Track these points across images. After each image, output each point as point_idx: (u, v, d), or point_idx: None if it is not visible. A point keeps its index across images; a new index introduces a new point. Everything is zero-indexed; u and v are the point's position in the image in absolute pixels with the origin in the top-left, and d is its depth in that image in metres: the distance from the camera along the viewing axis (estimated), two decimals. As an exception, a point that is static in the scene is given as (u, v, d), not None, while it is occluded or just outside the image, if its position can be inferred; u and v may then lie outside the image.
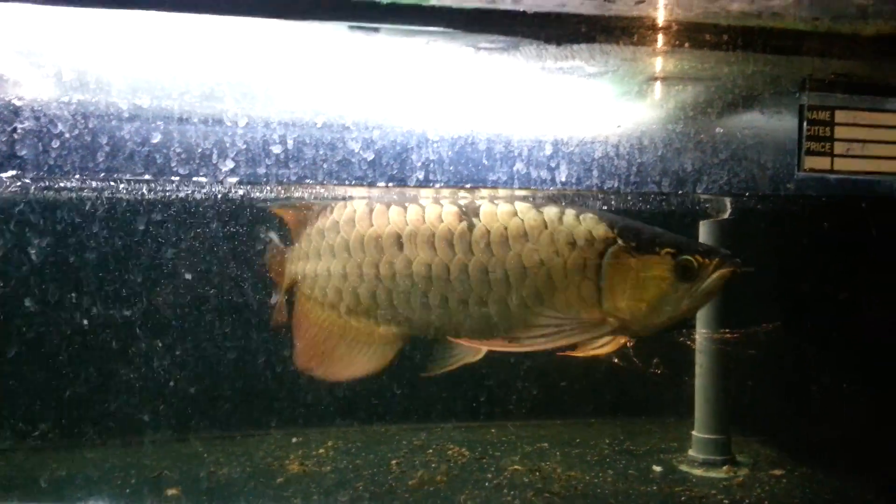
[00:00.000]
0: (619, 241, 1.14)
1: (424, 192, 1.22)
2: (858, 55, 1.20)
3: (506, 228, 1.14)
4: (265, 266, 1.36)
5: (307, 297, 1.27)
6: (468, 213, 1.16)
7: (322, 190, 1.20)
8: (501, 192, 1.19)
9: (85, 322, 1.67)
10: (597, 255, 1.13)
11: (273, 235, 1.36)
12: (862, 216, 1.34)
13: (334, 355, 1.26)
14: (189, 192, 1.32)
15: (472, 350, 1.20)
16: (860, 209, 1.33)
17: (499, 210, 1.16)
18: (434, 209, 1.17)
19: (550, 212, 1.16)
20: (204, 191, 1.39)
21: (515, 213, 1.16)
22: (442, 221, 1.16)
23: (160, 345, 1.70)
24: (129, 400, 1.69)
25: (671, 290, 1.12)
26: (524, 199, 1.20)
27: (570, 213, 1.17)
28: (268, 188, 1.21)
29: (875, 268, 1.35)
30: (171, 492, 1.43)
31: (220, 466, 1.57)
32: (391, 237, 1.17)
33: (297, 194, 1.26)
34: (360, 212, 1.20)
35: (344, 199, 1.25)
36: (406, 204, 1.19)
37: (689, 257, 1.12)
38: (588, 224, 1.15)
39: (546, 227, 1.15)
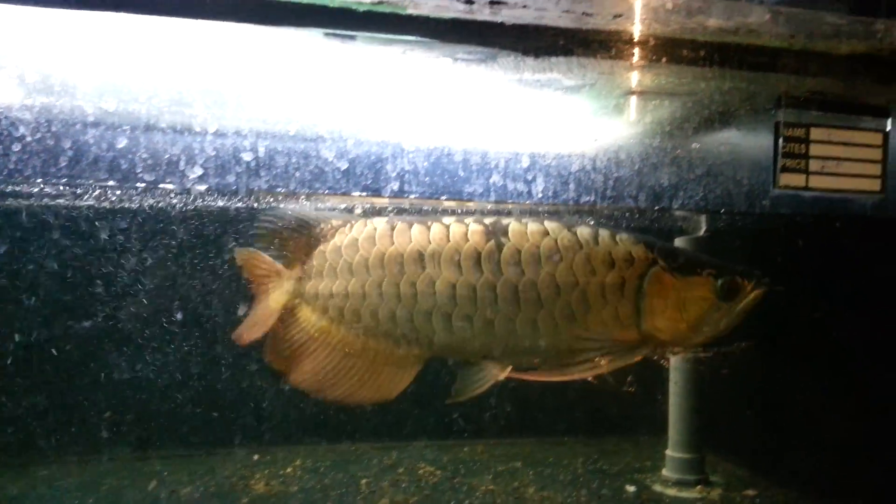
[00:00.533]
0: (660, 262, 1.13)
1: (446, 207, 1.23)
2: (833, 73, 1.21)
3: (538, 247, 1.12)
4: (245, 276, 1.26)
5: (319, 317, 1.21)
6: (495, 232, 1.14)
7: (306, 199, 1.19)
8: (509, 207, 1.20)
9: (39, 334, 1.61)
10: (637, 275, 1.13)
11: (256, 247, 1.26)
12: (836, 234, 1.35)
13: (350, 378, 1.20)
14: (152, 201, 1.28)
15: (498, 372, 1.16)
16: (834, 227, 1.34)
17: (528, 229, 1.14)
18: (459, 227, 1.14)
19: (584, 231, 1.15)
20: (172, 200, 1.36)
21: (547, 232, 1.14)
22: (468, 240, 1.13)
23: (119, 358, 1.65)
24: (86, 415, 1.63)
25: (712, 311, 1.13)
26: (543, 217, 1.18)
27: (604, 232, 1.15)
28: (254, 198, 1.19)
29: (849, 286, 1.36)
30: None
31: (181, 486, 1.52)
32: (414, 255, 1.13)
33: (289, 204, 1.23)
34: (380, 229, 1.16)
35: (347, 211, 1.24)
36: (429, 222, 1.16)
37: (730, 278, 1.13)
38: (626, 244, 1.14)
39: (581, 246, 1.13)
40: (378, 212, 1.26)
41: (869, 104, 1.22)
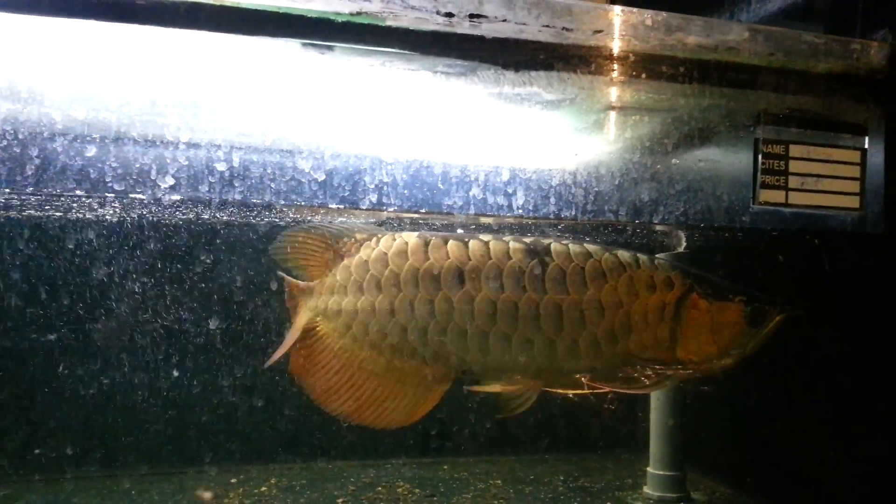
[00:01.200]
0: (697, 288, 1.18)
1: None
2: (811, 91, 1.22)
3: (583, 268, 1.14)
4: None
5: (342, 335, 1.18)
6: (538, 251, 1.15)
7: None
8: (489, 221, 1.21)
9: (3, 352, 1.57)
10: (675, 300, 1.17)
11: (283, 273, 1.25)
12: (815, 251, 1.35)
13: (376, 399, 1.18)
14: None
15: (536, 386, 1.18)
16: (813, 243, 1.34)
17: (571, 249, 1.16)
18: (499, 245, 1.15)
19: (624, 255, 1.18)
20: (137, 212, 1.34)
21: (590, 254, 1.16)
22: (510, 258, 1.14)
23: (86, 374, 1.61)
24: (52, 433, 1.59)
25: (741, 335, 1.18)
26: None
27: (643, 257, 1.20)
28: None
29: (829, 303, 1.36)
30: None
31: (153, 505, 1.48)
32: (451, 272, 1.12)
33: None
34: (412, 244, 1.15)
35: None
36: (465, 239, 1.16)
37: (759, 305, 1.18)
38: (665, 269, 1.19)
39: (625, 269, 1.17)
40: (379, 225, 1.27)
41: (847, 122, 1.23)
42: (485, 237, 1.17)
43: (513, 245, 1.15)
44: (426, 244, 1.14)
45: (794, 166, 1.20)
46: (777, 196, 1.20)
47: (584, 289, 1.13)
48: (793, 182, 1.20)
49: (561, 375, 1.16)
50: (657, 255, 1.28)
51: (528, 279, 1.12)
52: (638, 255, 1.21)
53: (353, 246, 1.18)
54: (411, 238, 1.16)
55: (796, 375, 1.43)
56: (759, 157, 1.18)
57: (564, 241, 1.18)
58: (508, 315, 1.12)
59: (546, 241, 1.17)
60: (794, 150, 1.21)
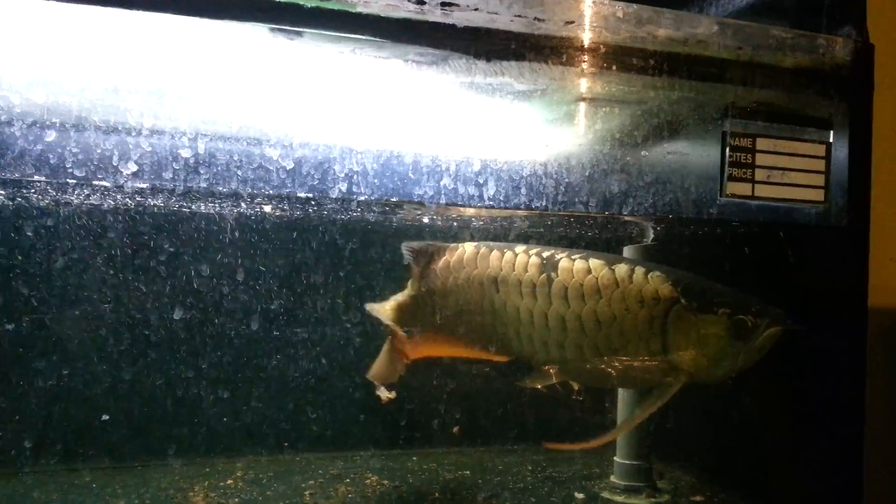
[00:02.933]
0: (682, 301, 1.23)
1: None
2: (778, 85, 1.23)
3: (581, 284, 1.27)
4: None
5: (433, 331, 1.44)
6: (548, 266, 1.30)
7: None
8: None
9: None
10: (662, 313, 1.23)
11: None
12: (780, 243, 1.37)
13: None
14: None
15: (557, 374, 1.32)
16: (778, 236, 1.36)
17: (575, 266, 1.29)
18: (522, 258, 1.32)
19: (621, 270, 1.27)
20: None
21: (590, 270, 1.28)
22: (527, 271, 1.30)
23: (44, 362, 1.57)
24: (9, 426, 1.55)
25: (728, 348, 1.22)
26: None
27: (639, 270, 1.27)
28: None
29: (793, 295, 1.38)
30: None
31: (115, 499, 1.45)
32: (490, 280, 1.33)
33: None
34: (468, 254, 1.37)
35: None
36: (505, 249, 1.35)
37: (742, 318, 1.21)
38: (655, 283, 1.25)
39: (618, 285, 1.26)
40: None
41: (813, 116, 1.24)
42: (518, 248, 1.34)
43: (532, 260, 1.31)
44: (477, 255, 1.36)
45: (760, 159, 1.22)
46: (744, 189, 1.21)
47: (582, 303, 1.26)
48: (759, 175, 1.21)
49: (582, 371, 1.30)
50: (653, 265, 1.33)
51: (539, 292, 1.29)
52: (637, 267, 1.27)
53: (437, 255, 1.43)
54: (469, 248, 1.38)
55: (761, 367, 1.45)
56: (727, 149, 1.19)
57: (575, 256, 1.30)
58: (527, 321, 1.30)
59: (559, 256, 1.30)
60: (761, 143, 1.22)
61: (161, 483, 1.56)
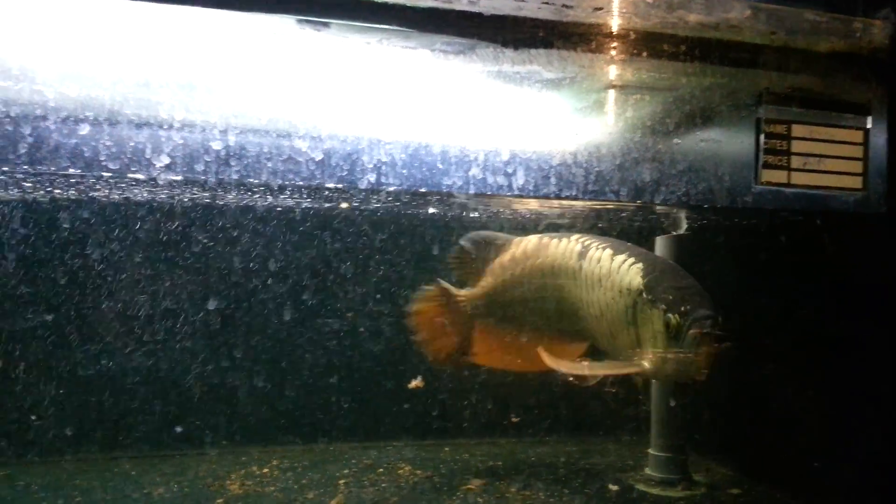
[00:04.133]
0: (644, 294, 1.22)
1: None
2: (814, 70, 1.21)
3: (593, 274, 1.31)
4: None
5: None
6: (582, 255, 1.34)
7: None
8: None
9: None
10: (632, 304, 1.24)
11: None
12: (818, 231, 1.34)
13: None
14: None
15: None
16: (816, 224, 1.33)
17: (596, 254, 1.32)
18: (570, 247, 1.37)
19: (619, 259, 1.29)
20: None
21: (600, 260, 1.31)
22: (570, 259, 1.36)
23: (88, 355, 1.61)
24: (53, 414, 1.59)
25: (667, 346, 1.18)
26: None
27: (629, 260, 1.28)
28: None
29: (832, 283, 1.35)
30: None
31: (154, 486, 1.49)
32: (549, 269, 1.39)
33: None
34: (532, 245, 1.43)
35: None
36: (562, 238, 1.40)
37: (671, 316, 1.17)
38: (631, 274, 1.26)
39: (610, 275, 1.28)
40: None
41: (850, 101, 1.21)
42: (574, 237, 1.38)
43: (575, 248, 1.36)
44: (539, 245, 1.42)
45: (796, 146, 1.19)
46: (779, 176, 1.19)
47: (593, 292, 1.31)
48: (795, 162, 1.19)
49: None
50: (649, 255, 1.34)
51: (573, 279, 1.34)
52: (630, 256, 1.28)
53: (500, 248, 1.47)
54: (533, 240, 1.44)
55: (799, 357, 1.43)
56: (761, 136, 1.17)
57: (604, 245, 1.33)
58: (578, 308, 1.35)
59: (592, 245, 1.34)
60: (797, 129, 1.20)
61: (198, 471, 1.59)
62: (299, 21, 0.96)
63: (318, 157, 0.99)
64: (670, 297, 1.18)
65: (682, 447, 1.59)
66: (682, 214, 1.45)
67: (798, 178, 1.19)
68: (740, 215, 1.39)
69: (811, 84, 1.21)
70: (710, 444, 1.73)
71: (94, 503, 1.39)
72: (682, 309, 1.16)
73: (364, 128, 1.02)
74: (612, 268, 1.28)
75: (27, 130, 0.87)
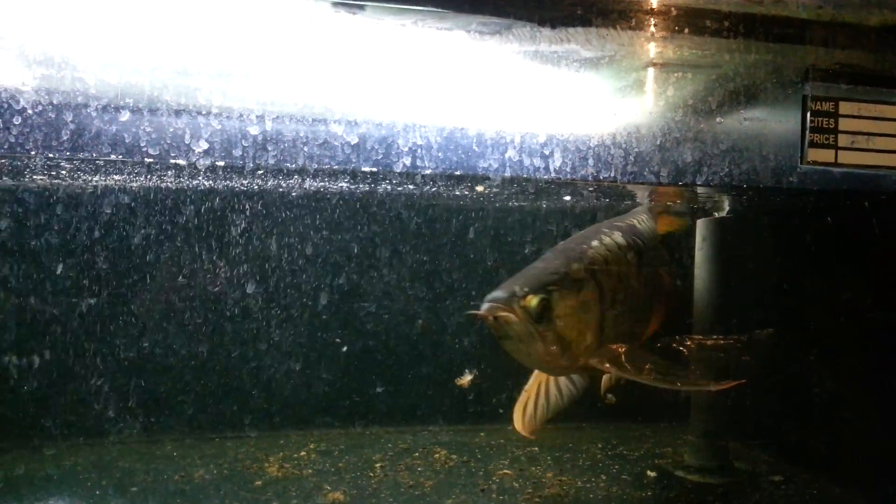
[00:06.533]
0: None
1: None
2: (863, 45, 1.16)
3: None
4: None
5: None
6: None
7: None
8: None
9: (48, 316, 1.60)
10: None
11: None
12: (866, 212, 1.30)
13: None
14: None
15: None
16: (864, 205, 1.29)
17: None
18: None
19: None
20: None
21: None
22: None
23: (127, 337, 1.64)
24: (97, 398, 1.63)
25: None
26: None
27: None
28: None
29: (880, 268, 1.31)
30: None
31: (194, 468, 1.51)
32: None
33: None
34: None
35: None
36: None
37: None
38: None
39: None
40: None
41: (901, 77, 1.17)
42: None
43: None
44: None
45: (844, 124, 1.15)
46: (826, 155, 1.15)
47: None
48: (843, 140, 1.15)
49: None
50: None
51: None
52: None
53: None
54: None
55: (844, 342, 1.39)
56: (808, 114, 1.13)
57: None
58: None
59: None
60: (844, 107, 1.16)
61: (237, 454, 1.61)
62: (334, 4, 0.95)
63: (354, 140, 0.99)
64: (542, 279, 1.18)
65: (723, 433, 1.56)
66: (725, 197, 1.42)
67: (846, 157, 1.16)
68: (785, 196, 1.35)
69: (860, 59, 1.16)
70: (751, 430, 1.71)
71: (136, 484, 1.42)
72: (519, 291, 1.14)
73: (399, 111, 1.01)
74: None
75: (69, 117, 0.88)
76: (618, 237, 1.32)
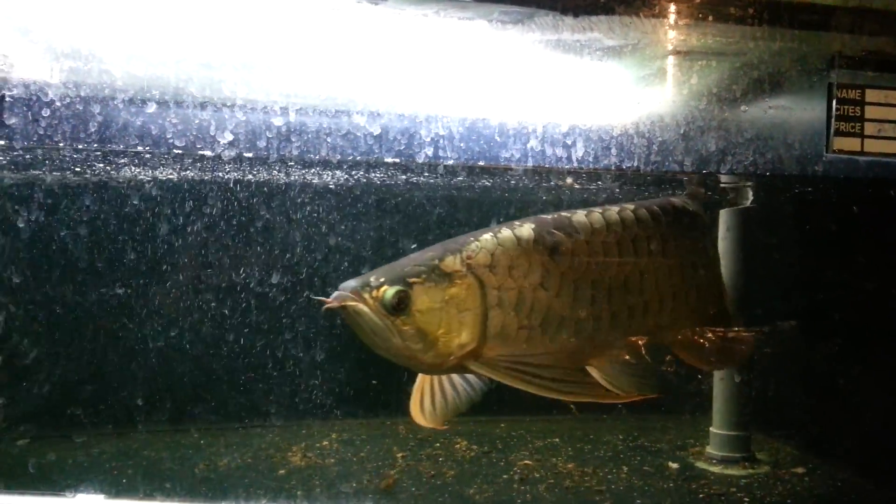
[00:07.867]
0: None
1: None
2: (890, 31, 1.14)
3: None
4: None
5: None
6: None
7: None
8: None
9: (77, 307, 1.63)
10: None
11: None
12: (892, 202, 1.28)
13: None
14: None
15: None
16: (891, 195, 1.27)
17: None
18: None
19: None
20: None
21: None
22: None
23: (153, 327, 1.66)
24: (125, 387, 1.65)
25: None
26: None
27: None
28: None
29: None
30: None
31: (219, 457, 1.53)
32: None
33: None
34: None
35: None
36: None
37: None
38: None
39: None
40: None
41: (929, 63, 1.15)
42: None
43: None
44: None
45: (870, 112, 1.14)
46: (852, 144, 1.14)
47: None
48: (869, 129, 1.14)
49: None
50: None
51: None
52: None
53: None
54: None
55: (869, 332, 1.37)
56: (833, 102, 1.12)
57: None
58: None
59: None
60: (871, 94, 1.14)
61: (261, 443, 1.63)
62: (357, -6, 0.95)
63: (376, 131, 0.99)
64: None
65: (745, 425, 1.55)
66: (749, 187, 1.41)
67: (872, 145, 1.14)
68: (810, 185, 1.34)
69: (887, 46, 1.14)
70: (774, 422, 1.69)
71: (162, 472, 1.44)
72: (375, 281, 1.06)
73: (421, 101, 1.01)
74: None
75: (96, 109, 0.89)
76: (524, 231, 1.14)
